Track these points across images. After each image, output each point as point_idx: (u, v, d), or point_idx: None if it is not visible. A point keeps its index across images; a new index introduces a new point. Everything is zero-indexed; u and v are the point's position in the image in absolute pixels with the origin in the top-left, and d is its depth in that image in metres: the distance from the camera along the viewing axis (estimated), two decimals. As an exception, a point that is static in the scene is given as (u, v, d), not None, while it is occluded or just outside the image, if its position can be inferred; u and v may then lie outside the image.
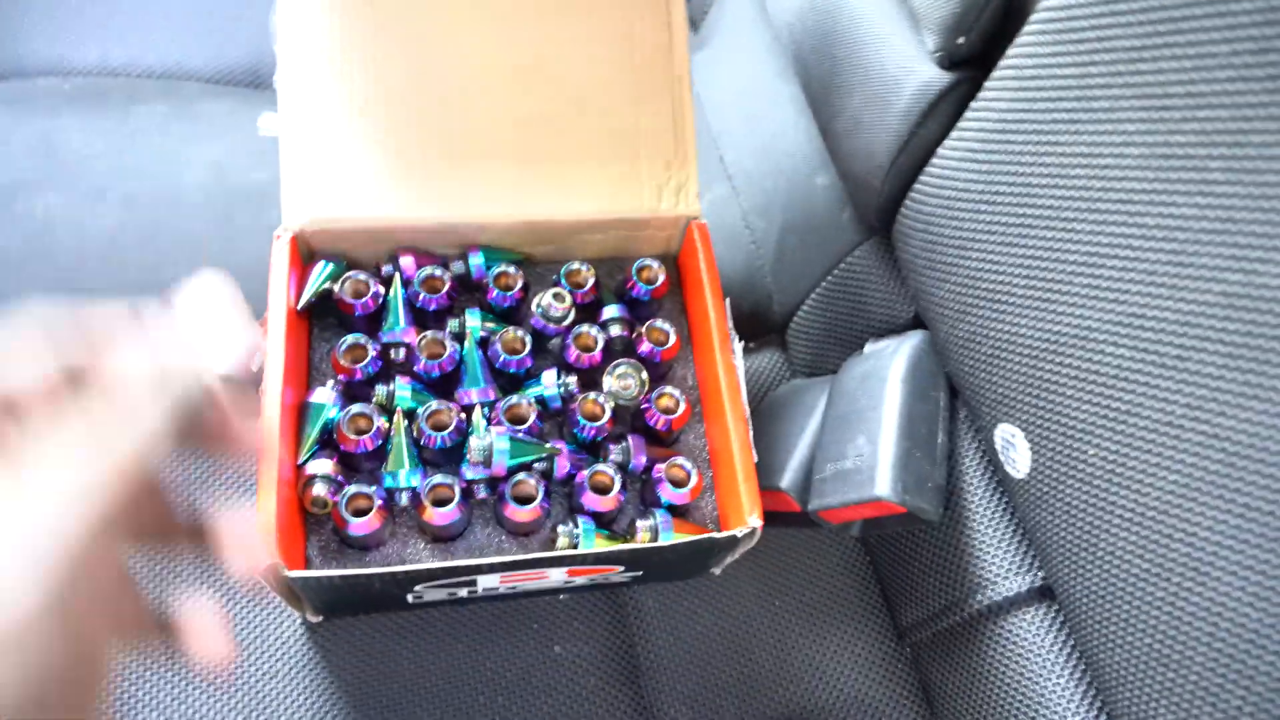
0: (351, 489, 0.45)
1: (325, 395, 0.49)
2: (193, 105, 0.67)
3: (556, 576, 0.48)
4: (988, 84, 0.44)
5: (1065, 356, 0.41)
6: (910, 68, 0.49)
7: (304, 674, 0.49)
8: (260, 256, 0.60)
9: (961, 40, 0.46)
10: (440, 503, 0.46)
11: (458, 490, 0.47)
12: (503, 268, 0.54)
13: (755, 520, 0.46)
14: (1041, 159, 0.42)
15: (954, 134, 0.47)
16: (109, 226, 0.59)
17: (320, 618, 0.50)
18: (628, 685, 0.52)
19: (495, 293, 0.53)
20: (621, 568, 0.48)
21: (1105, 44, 0.38)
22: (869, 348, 0.55)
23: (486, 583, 0.47)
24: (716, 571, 0.55)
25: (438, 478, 0.47)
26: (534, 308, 0.53)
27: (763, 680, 0.53)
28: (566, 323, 0.53)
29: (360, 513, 0.45)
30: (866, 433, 0.49)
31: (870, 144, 0.52)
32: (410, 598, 0.48)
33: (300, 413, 0.48)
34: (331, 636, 0.50)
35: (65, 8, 0.70)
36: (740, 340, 0.53)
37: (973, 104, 0.46)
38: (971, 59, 0.47)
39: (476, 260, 0.54)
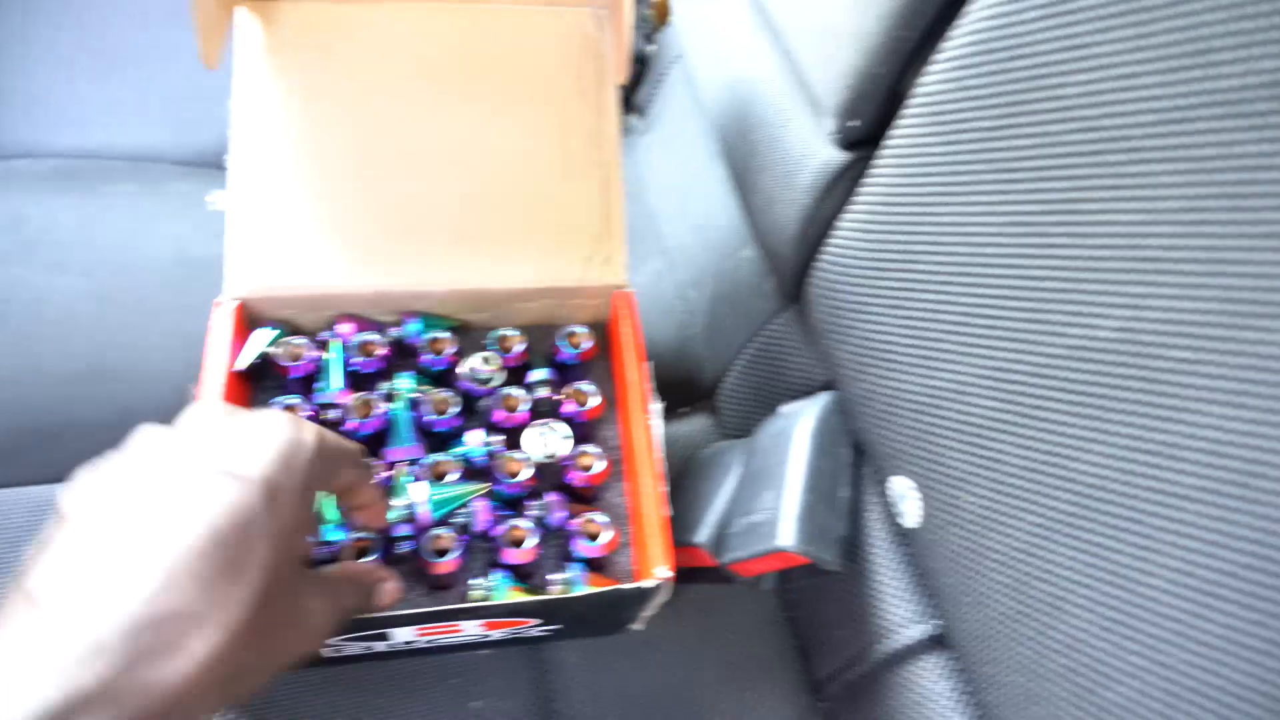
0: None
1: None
2: (160, 185, 0.71)
3: (472, 630, 0.49)
4: (875, 162, 0.49)
5: (944, 409, 0.44)
6: (812, 149, 0.53)
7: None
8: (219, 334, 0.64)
9: (855, 123, 0.51)
10: (441, 552, 0.49)
11: (458, 541, 0.49)
12: (435, 334, 0.57)
13: (664, 572, 0.48)
14: (921, 228, 0.46)
15: (849, 208, 0.51)
16: (67, 295, 0.62)
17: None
18: (546, 739, 0.53)
19: (428, 357, 0.56)
20: (537, 621, 0.50)
21: (966, 125, 0.42)
22: (783, 409, 0.58)
23: (402, 635, 0.48)
24: (638, 627, 0.56)
25: (436, 530, 0.49)
26: (463, 370, 0.56)
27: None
28: (494, 384, 0.56)
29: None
30: (774, 487, 0.51)
31: (781, 218, 0.56)
32: (328, 651, 0.49)
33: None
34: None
35: (45, 96, 0.75)
36: (663, 403, 0.56)
37: (864, 180, 0.50)
38: (865, 140, 0.51)
39: (413, 326, 0.58)
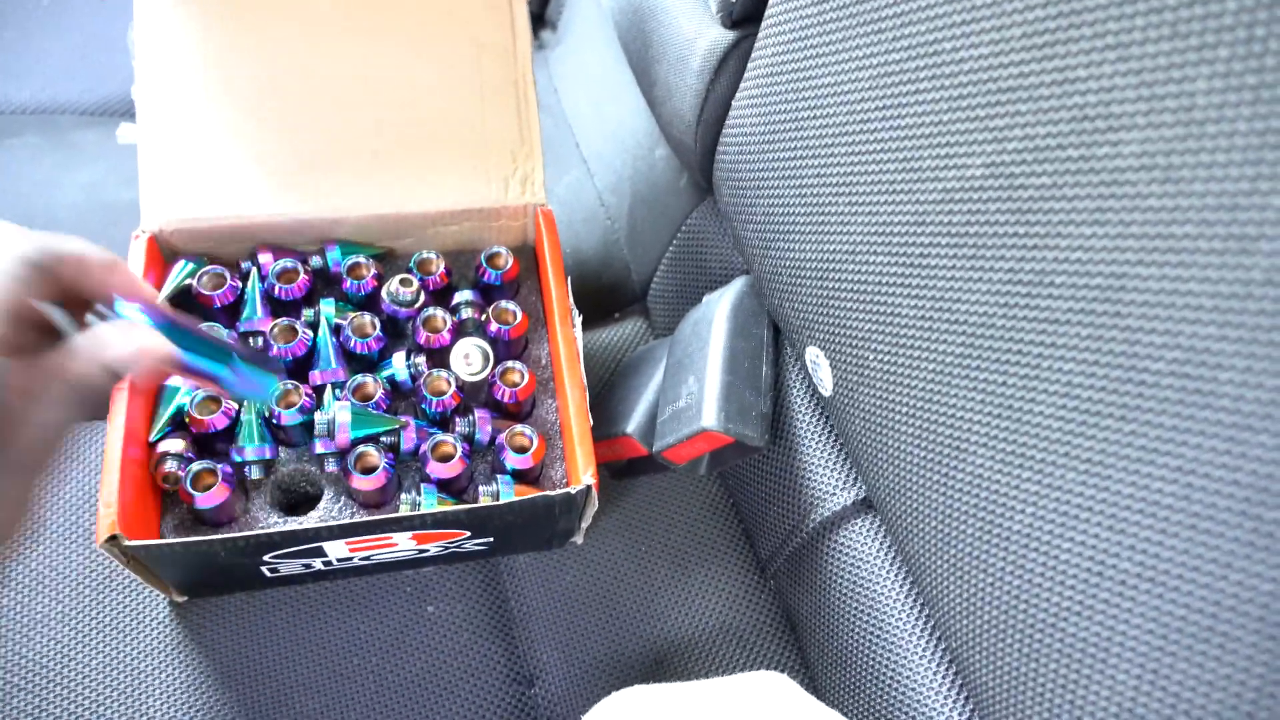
0: (197, 465, 0.48)
1: (178, 380, 0.51)
2: (66, 135, 0.70)
3: (404, 543, 0.50)
4: (759, 38, 0.48)
5: (842, 273, 0.45)
6: (701, 31, 0.52)
7: (177, 652, 0.51)
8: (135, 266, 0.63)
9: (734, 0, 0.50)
10: (367, 470, 0.49)
11: (382, 459, 0.49)
12: (356, 259, 0.57)
13: (588, 478, 0.49)
14: (803, 96, 0.45)
15: (741, 86, 0.51)
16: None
17: (184, 597, 0.52)
18: (500, 638, 0.54)
19: (349, 283, 0.56)
20: (467, 533, 0.51)
21: (835, -18, 0.42)
22: (705, 298, 0.58)
23: (336, 551, 0.49)
24: (579, 540, 0.57)
25: (362, 448, 0.49)
26: (384, 294, 0.56)
27: (632, 621, 0.55)
28: (416, 306, 0.56)
29: (205, 487, 0.47)
30: (695, 373, 0.52)
31: (679, 106, 0.55)
32: (266, 570, 0.50)
33: (154, 395, 0.51)
34: (201, 616, 0.52)
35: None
36: (580, 314, 0.56)
37: (751, 57, 0.49)
38: (748, 17, 0.51)
39: (333, 254, 0.57)
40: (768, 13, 0.47)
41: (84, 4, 0.78)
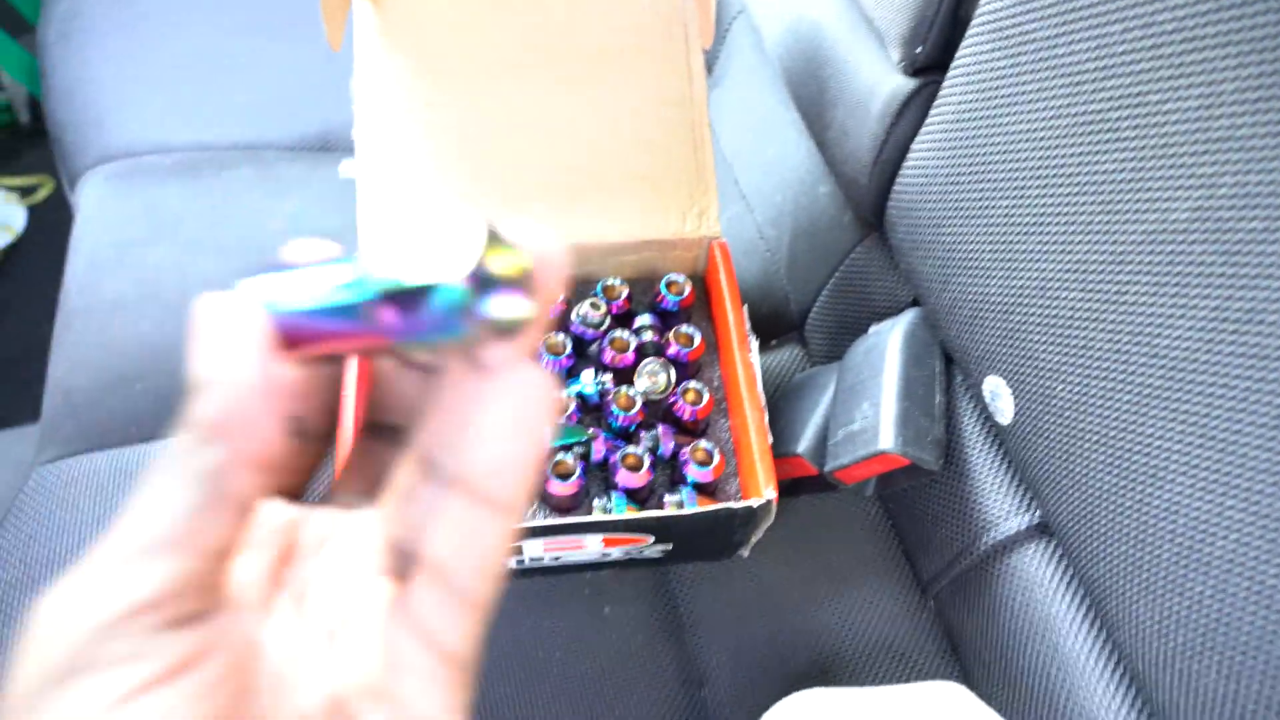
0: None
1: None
2: (272, 168, 0.77)
3: (593, 545, 0.54)
4: (944, 84, 0.52)
5: (1029, 307, 0.47)
6: (881, 79, 0.56)
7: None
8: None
9: (919, 50, 0.54)
10: (564, 475, 0.54)
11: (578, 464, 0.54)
12: (547, 284, 0.62)
13: (770, 492, 0.52)
14: (992, 140, 0.48)
15: (923, 131, 0.54)
16: (207, 271, 0.68)
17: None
18: (672, 641, 0.58)
19: (542, 306, 0.61)
20: (651, 538, 0.55)
21: (1028, 37, 0.45)
22: (872, 329, 0.61)
23: (532, 551, 0.54)
24: (745, 554, 0.60)
25: (558, 455, 0.54)
26: (574, 316, 0.61)
27: (797, 635, 0.58)
28: (602, 328, 0.60)
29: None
30: (870, 398, 0.55)
31: (856, 148, 0.59)
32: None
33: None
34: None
35: (162, 98, 0.81)
36: (758, 340, 0.60)
37: (935, 103, 0.53)
38: (931, 65, 0.54)
39: (524, 280, 0.62)
40: (955, 63, 0.50)
41: (279, 50, 0.87)
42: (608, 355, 0.59)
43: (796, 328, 0.72)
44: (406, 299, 0.18)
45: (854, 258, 0.66)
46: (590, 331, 0.60)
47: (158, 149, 0.78)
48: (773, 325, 0.72)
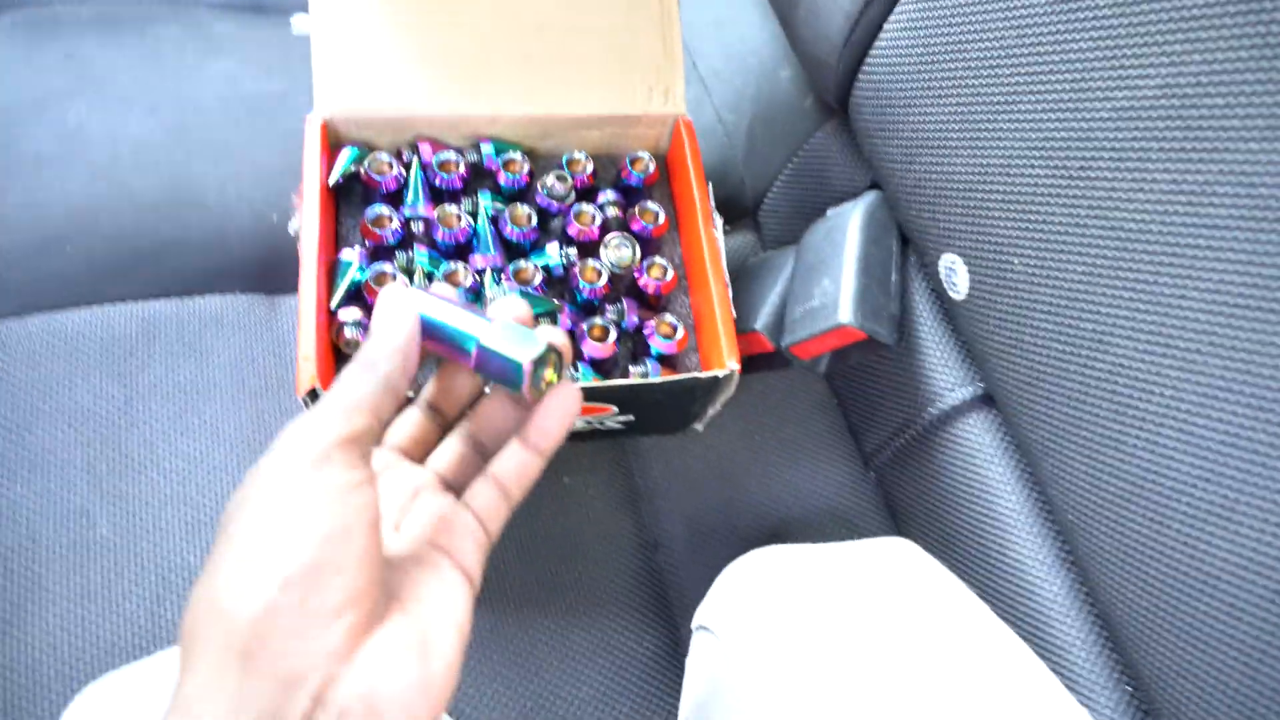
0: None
1: (351, 255, 0.55)
2: (203, 27, 0.72)
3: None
4: (922, -39, 0.52)
5: (993, 185, 0.49)
6: (857, -45, 0.56)
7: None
8: (277, 154, 0.66)
9: (899, -75, 0.54)
10: (599, 338, 0.55)
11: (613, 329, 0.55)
12: (511, 154, 0.60)
13: (733, 364, 0.54)
14: (968, 18, 0.49)
15: (896, 10, 0.54)
16: (137, 131, 0.64)
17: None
18: (628, 509, 0.60)
19: (505, 176, 0.60)
20: (615, 409, 0.56)
21: (1016, -87, 0.46)
22: (831, 212, 0.63)
23: None
24: (700, 428, 0.62)
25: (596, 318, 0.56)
26: (539, 188, 0.60)
27: (747, 503, 0.61)
28: (568, 202, 0.60)
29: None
30: (830, 275, 0.57)
31: (826, 28, 0.59)
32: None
33: (330, 269, 0.55)
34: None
35: (74, -60, 0.75)
36: (722, 218, 0.60)
37: (911, -19, 0.53)
38: (909, -58, 0.54)
39: (487, 149, 0.61)
40: (935, -60, 0.51)
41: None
42: (573, 229, 0.59)
43: (750, 213, 0.73)
44: (494, 355, 0.33)
45: (812, 143, 0.67)
46: (555, 204, 0.59)
47: (71, -4, 0.72)
48: (728, 210, 0.73)
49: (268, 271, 0.63)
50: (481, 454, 0.37)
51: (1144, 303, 0.43)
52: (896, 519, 0.62)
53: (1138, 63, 0.41)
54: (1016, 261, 0.49)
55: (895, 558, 0.51)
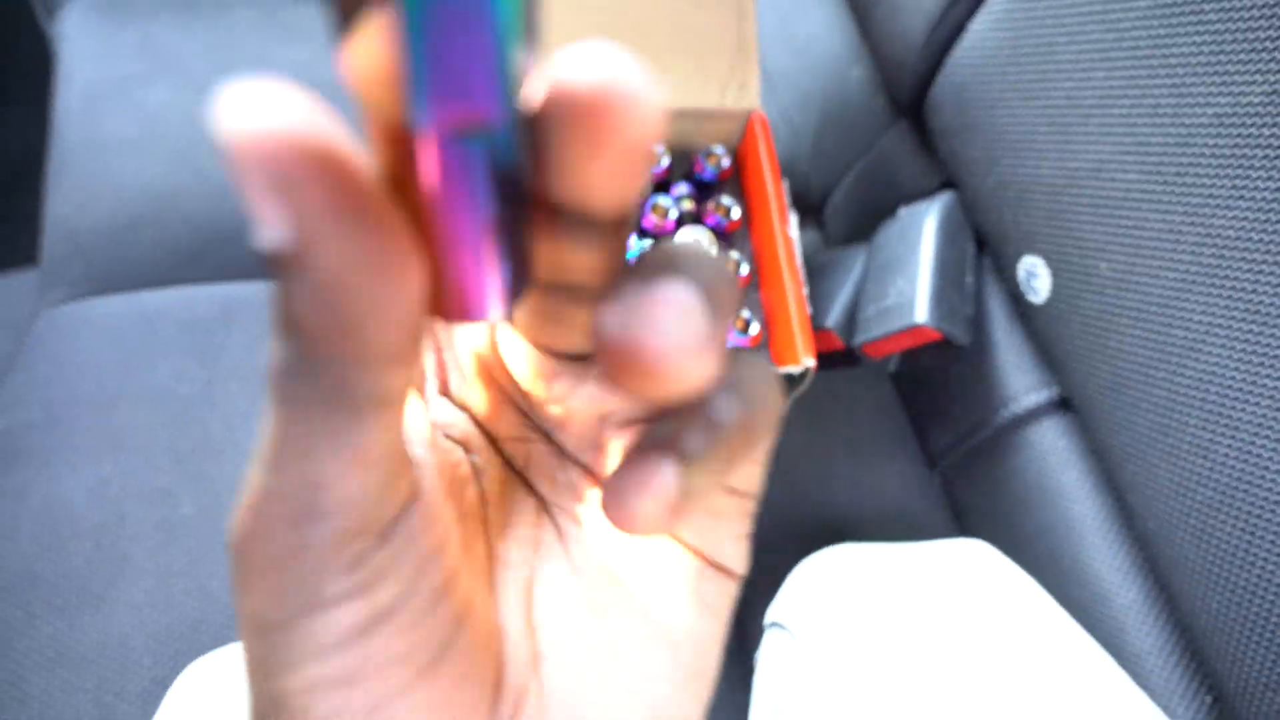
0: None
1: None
2: (276, 13, 0.73)
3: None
4: (1013, -38, 0.52)
5: (1082, 188, 0.49)
6: (943, -45, 0.56)
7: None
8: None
9: (989, -74, 0.53)
10: None
11: None
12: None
13: (809, 360, 0.54)
14: (1061, 20, 0.49)
15: (983, 9, 0.54)
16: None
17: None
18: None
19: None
20: None
21: (1117, -84, 0.46)
22: (903, 211, 0.63)
23: None
24: None
25: None
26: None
27: (811, 500, 0.61)
28: (644, 195, 0.60)
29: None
30: (905, 275, 0.57)
31: (907, 27, 0.59)
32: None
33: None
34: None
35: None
36: (796, 215, 0.60)
37: (999, -19, 0.53)
38: (998, -57, 0.54)
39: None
40: (1028, -59, 0.50)
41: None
42: (649, 221, 0.59)
43: (815, 211, 0.73)
44: None
45: (883, 142, 0.67)
46: (631, 196, 0.60)
47: (148, -20, 0.72)
48: (793, 207, 0.73)
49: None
50: None
51: (1241, 310, 0.42)
52: (962, 521, 0.62)
53: (1243, 69, 0.41)
54: (1104, 266, 0.49)
55: (971, 560, 0.51)
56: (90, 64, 0.66)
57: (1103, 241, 0.48)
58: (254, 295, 0.59)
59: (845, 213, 0.71)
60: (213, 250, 0.60)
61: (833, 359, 0.62)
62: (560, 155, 0.13)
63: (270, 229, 0.12)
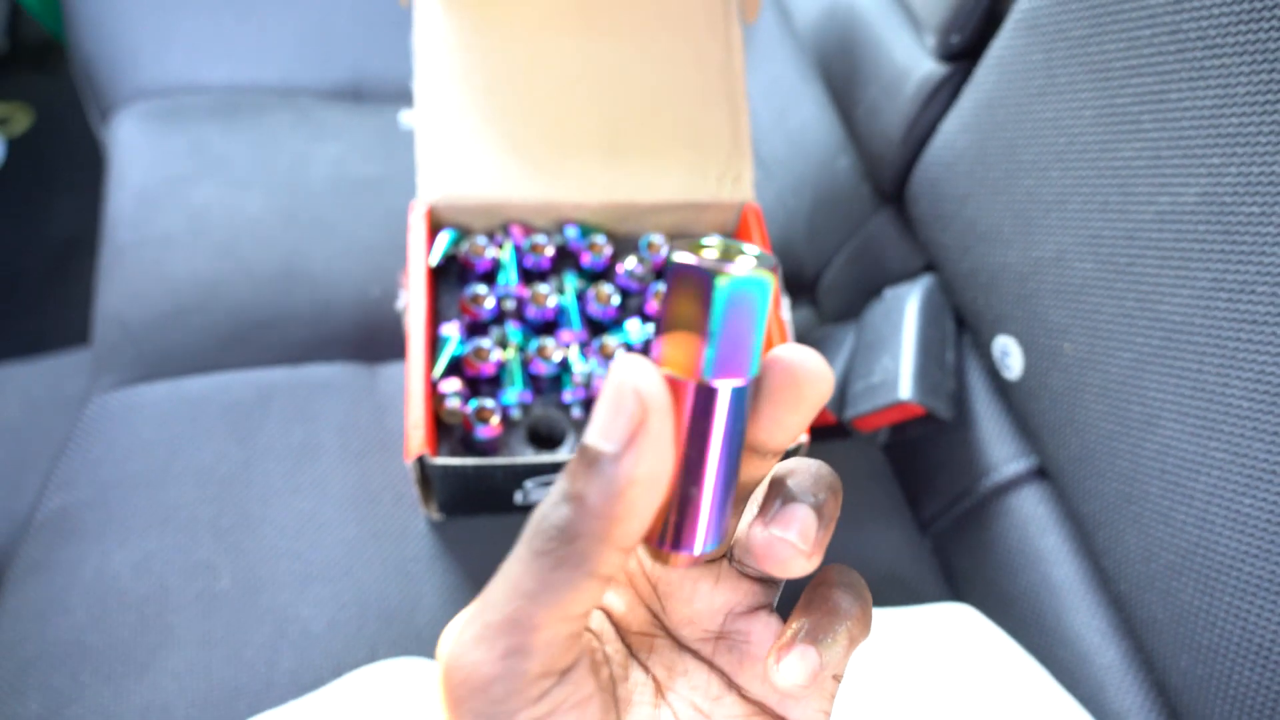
0: (478, 401, 0.57)
1: (451, 330, 0.61)
2: (310, 114, 0.79)
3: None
4: (977, 71, 0.57)
5: (1045, 275, 0.54)
6: (915, 63, 0.61)
7: (436, 560, 0.60)
8: (378, 232, 0.73)
9: (954, 38, 0.59)
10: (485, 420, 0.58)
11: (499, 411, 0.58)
12: (595, 238, 0.66)
13: (803, 435, 0.58)
14: (1021, 124, 0.54)
15: (952, 113, 0.59)
16: (255, 210, 0.71)
17: (442, 516, 0.62)
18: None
19: (589, 257, 0.66)
20: None
21: (1063, 34, 0.51)
22: (888, 292, 0.67)
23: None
24: None
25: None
26: (621, 270, 0.65)
27: (810, 566, 0.64)
28: (647, 282, 0.65)
29: (485, 420, 0.57)
30: (890, 353, 0.61)
31: (886, 126, 0.64)
32: (519, 496, 0.59)
33: (432, 343, 0.60)
34: (453, 533, 0.61)
35: (191, 34, 0.83)
36: (789, 299, 0.65)
37: (966, 87, 0.58)
38: (963, 53, 0.60)
39: (572, 232, 0.67)
40: (990, 53, 0.56)
41: (309, -4, 0.88)
42: (651, 307, 0.64)
43: (810, 289, 0.78)
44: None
45: (870, 226, 0.72)
46: (636, 284, 0.65)
47: (192, 88, 0.79)
48: (789, 286, 0.78)
49: (367, 341, 0.69)
50: None
51: (1190, 389, 0.46)
52: (953, 584, 0.65)
53: (1179, 172, 0.46)
54: (1068, 346, 0.53)
55: (958, 623, 0.54)
56: (142, 166, 0.73)
57: (1066, 324, 0.53)
58: (286, 380, 0.64)
59: (837, 290, 0.75)
60: (251, 337, 0.66)
61: (826, 432, 0.66)
62: (768, 408, 0.20)
63: (605, 433, 0.18)
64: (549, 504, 0.19)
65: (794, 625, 0.22)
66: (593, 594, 0.19)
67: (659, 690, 0.24)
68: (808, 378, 0.20)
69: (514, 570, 0.19)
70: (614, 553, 0.18)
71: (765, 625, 0.24)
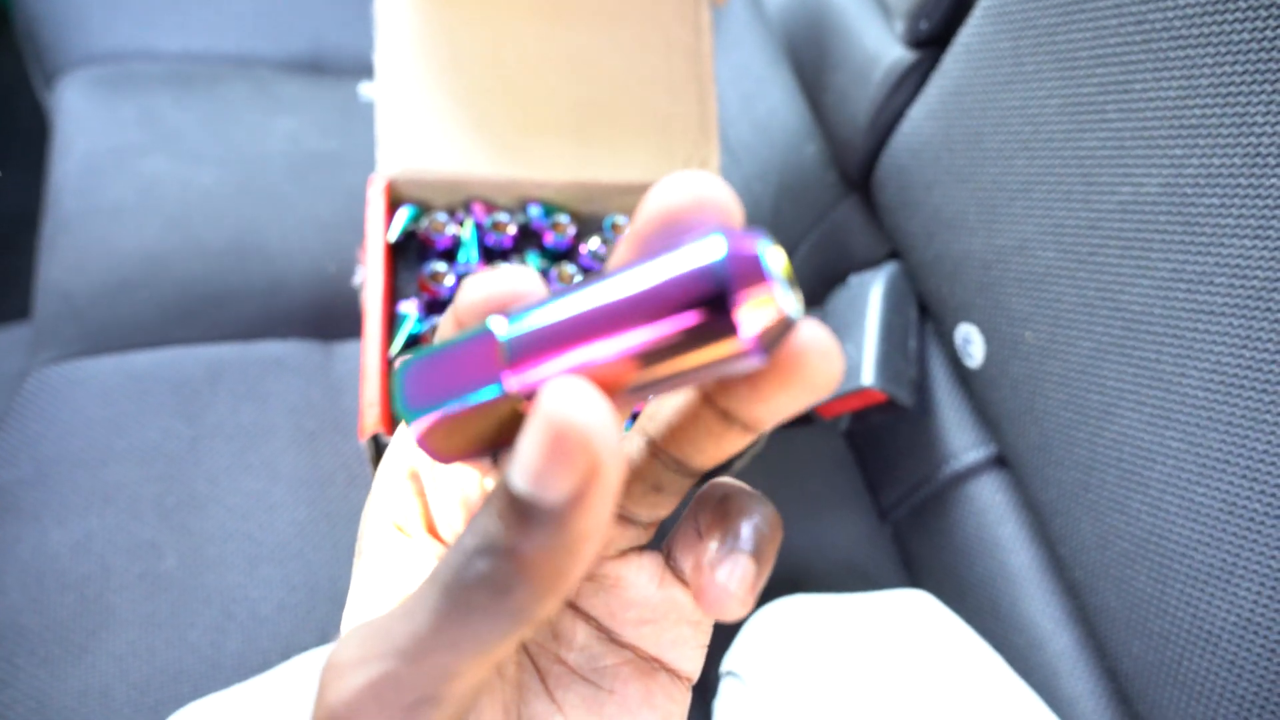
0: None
1: (409, 307, 0.60)
2: (267, 87, 0.77)
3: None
4: (945, 58, 0.57)
5: (1008, 264, 0.54)
6: (883, 49, 0.61)
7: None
8: (336, 207, 0.71)
9: (923, 25, 0.59)
10: None
11: None
12: (557, 218, 0.65)
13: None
14: (987, 112, 0.54)
15: (919, 99, 0.59)
16: (208, 183, 0.69)
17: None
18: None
19: (552, 237, 0.64)
20: None
21: (1031, 22, 0.51)
22: (853, 279, 0.67)
23: None
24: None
25: None
26: (585, 250, 0.64)
27: (770, 552, 0.64)
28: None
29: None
30: (853, 340, 0.61)
31: (853, 112, 0.64)
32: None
33: (389, 321, 0.59)
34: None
35: (145, 1, 0.80)
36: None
37: (934, 74, 0.58)
38: (931, 40, 0.59)
39: (535, 211, 0.66)
40: (957, 40, 0.56)
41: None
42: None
43: (774, 277, 0.78)
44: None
45: (835, 214, 0.71)
46: (599, 265, 0.64)
47: (144, 54, 0.77)
48: (752, 273, 0.77)
49: (323, 318, 0.67)
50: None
51: (1147, 379, 0.47)
52: (911, 571, 0.65)
53: (1142, 163, 0.46)
54: (1029, 335, 0.53)
55: (915, 610, 0.54)
56: (89, 134, 0.70)
57: (1028, 312, 0.53)
58: (238, 356, 0.62)
59: (802, 277, 0.75)
60: (201, 312, 0.64)
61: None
62: (766, 382, 0.16)
63: (544, 484, 0.14)
64: (471, 551, 0.16)
65: (712, 543, 0.20)
66: (518, 637, 0.16)
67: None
68: (822, 374, 0.16)
69: (428, 617, 0.16)
70: (557, 600, 0.16)
71: (639, 566, 0.21)
